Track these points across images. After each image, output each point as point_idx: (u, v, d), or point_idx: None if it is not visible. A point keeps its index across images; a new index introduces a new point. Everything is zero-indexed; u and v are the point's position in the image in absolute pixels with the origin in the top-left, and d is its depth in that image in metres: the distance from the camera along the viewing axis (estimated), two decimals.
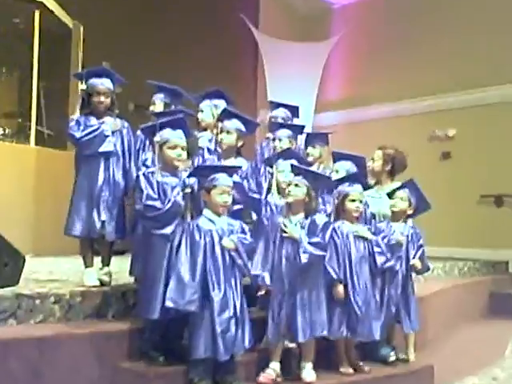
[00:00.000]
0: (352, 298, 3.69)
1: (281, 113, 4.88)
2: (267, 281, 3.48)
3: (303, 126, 4.69)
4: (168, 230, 3.36)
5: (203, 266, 3.25)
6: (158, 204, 3.36)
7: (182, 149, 3.47)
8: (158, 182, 3.43)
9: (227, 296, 3.24)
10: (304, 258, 3.44)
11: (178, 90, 4.37)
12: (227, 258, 3.30)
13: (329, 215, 3.89)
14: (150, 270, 3.41)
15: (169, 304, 3.21)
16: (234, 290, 3.29)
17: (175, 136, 3.47)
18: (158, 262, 3.38)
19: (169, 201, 3.39)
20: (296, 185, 3.59)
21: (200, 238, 3.27)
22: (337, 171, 4.12)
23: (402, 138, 6.16)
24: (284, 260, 3.53)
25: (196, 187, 3.44)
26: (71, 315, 3.60)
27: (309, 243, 3.48)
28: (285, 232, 3.54)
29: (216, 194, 3.33)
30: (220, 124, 4.06)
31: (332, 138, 4.83)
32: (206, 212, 3.38)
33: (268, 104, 5.57)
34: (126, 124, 4.08)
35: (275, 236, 3.57)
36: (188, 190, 3.41)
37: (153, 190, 3.41)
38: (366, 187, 3.92)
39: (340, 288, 3.71)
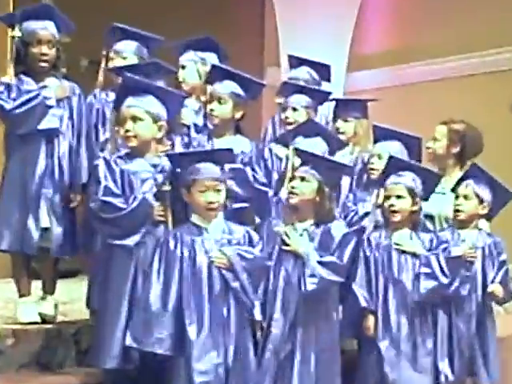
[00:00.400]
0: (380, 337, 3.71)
1: (303, 73, 4.87)
2: (256, 314, 3.44)
3: (328, 93, 4.66)
4: (131, 241, 3.38)
5: (179, 290, 3.28)
6: (119, 202, 3.38)
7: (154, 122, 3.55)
8: (122, 172, 3.47)
9: (213, 334, 3.27)
10: (311, 284, 3.44)
11: (155, 38, 4.41)
12: (217, 279, 3.33)
13: (359, 220, 3.98)
14: (108, 298, 3.44)
15: (129, 342, 3.26)
16: (224, 326, 3.31)
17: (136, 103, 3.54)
18: (118, 287, 3.41)
19: (135, 198, 3.39)
20: (302, 178, 3.58)
21: (178, 250, 3.32)
22: (379, 156, 4.11)
23: (472, 107, 6.09)
24: (282, 284, 3.54)
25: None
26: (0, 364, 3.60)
27: (319, 263, 3.47)
28: (286, 244, 3.54)
29: (196, 191, 3.36)
30: (209, 88, 4.09)
31: (372, 108, 4.78)
32: (194, 217, 3.42)
33: (280, 60, 5.50)
34: (77, 89, 4.11)
35: (272, 249, 3.59)
36: (166, 188, 3.45)
37: (115, 181, 3.44)
38: (436, 183, 3.96)
39: (370, 321, 3.75)
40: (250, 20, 8.21)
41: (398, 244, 3.82)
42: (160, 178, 3.51)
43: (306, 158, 3.64)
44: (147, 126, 3.51)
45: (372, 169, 4.14)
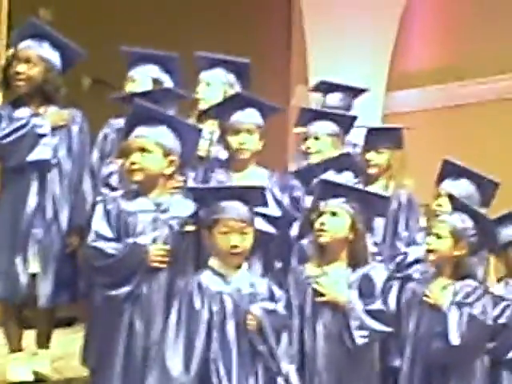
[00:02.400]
0: None
1: (336, 99, 4.76)
2: (293, 379, 3.26)
3: (354, 117, 4.48)
4: (122, 291, 3.23)
5: (205, 352, 3.11)
6: (109, 248, 3.26)
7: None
8: (120, 212, 3.34)
9: None
10: (360, 338, 3.30)
11: (172, 56, 4.30)
12: (244, 341, 3.17)
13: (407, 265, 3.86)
14: (101, 356, 3.36)
15: None
16: None
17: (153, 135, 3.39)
18: (110, 344, 3.28)
19: (126, 243, 3.27)
20: (333, 213, 3.43)
21: (202, 305, 3.16)
22: (450, 196, 3.85)
23: None
24: (321, 341, 3.38)
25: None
26: None
27: (367, 312, 3.32)
28: (321, 295, 3.38)
29: (219, 233, 3.20)
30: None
31: (415, 132, 4.53)
32: (213, 263, 3.26)
33: (308, 78, 5.21)
34: (78, 116, 4.03)
35: (303, 301, 3.43)
36: (190, 228, 3.32)
37: (109, 224, 3.32)
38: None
39: None
40: (274, 36, 8.01)
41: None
42: (164, 218, 3.34)
43: (338, 189, 3.48)
44: (156, 159, 3.35)
45: (438, 210, 3.97)
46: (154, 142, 3.34)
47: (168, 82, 4.23)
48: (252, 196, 3.31)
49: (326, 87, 4.92)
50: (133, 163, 3.33)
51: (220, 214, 3.20)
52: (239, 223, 3.19)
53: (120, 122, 3.94)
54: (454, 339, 3.46)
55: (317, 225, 3.44)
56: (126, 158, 3.39)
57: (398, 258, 4.00)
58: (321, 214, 3.46)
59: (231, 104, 3.83)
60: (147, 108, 3.42)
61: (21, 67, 3.85)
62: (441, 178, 4.08)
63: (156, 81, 4.16)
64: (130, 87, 4.15)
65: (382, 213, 3.80)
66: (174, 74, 4.26)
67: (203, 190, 3.47)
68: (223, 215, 3.19)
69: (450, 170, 4.07)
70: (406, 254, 4.01)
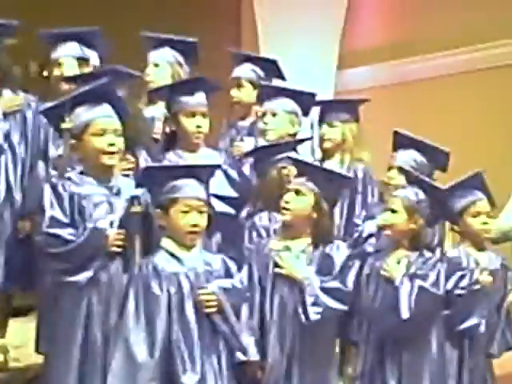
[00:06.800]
0: None
1: (247, 72, 4.58)
2: (252, 353, 3.30)
3: (312, 94, 4.37)
4: (82, 277, 3.20)
5: (166, 335, 3.12)
6: (66, 234, 3.21)
7: (116, 134, 3.35)
8: (71, 196, 3.29)
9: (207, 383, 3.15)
10: (314, 314, 3.30)
11: (92, 30, 4.23)
12: (204, 320, 3.18)
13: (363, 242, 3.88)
14: (57, 343, 3.30)
15: None
16: (216, 375, 3.17)
17: (101, 114, 3.35)
18: (67, 331, 3.24)
19: (84, 228, 3.23)
20: (297, 192, 3.44)
21: (160, 288, 3.16)
22: (400, 169, 3.91)
23: (476, 105, 6.00)
24: (276, 314, 3.41)
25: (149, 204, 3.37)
26: None
27: (322, 289, 3.34)
28: (279, 267, 3.39)
29: (178, 212, 3.18)
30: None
31: (366, 108, 4.57)
32: (167, 243, 3.24)
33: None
34: (33, 101, 4.02)
35: (264, 275, 3.44)
36: (137, 209, 3.30)
37: (62, 209, 3.26)
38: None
39: None
40: (226, 11, 7.99)
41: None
42: (117, 202, 3.33)
43: (303, 168, 3.51)
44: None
45: (387, 182, 4.03)
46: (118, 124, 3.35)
47: (94, 58, 4.19)
48: (206, 174, 3.32)
49: (236, 58, 4.78)
50: (112, 144, 3.29)
51: (179, 193, 3.20)
52: (198, 202, 3.20)
53: None
54: (404, 312, 3.49)
55: (282, 203, 3.46)
56: (79, 140, 3.33)
57: (355, 234, 4.03)
58: (285, 191, 3.48)
59: (188, 86, 3.83)
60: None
61: None
62: (393, 151, 4.11)
63: (81, 59, 4.13)
64: (58, 71, 4.10)
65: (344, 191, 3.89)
66: (99, 48, 4.21)
67: (161, 168, 3.43)
68: (183, 194, 3.19)
69: (400, 142, 4.09)
70: (362, 228, 4.03)
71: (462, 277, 3.72)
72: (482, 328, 3.71)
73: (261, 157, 3.87)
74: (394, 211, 3.61)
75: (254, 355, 3.31)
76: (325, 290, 3.35)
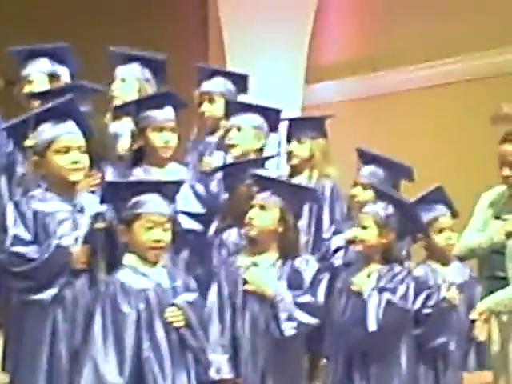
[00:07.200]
0: None
1: (219, 86, 4.53)
2: (224, 369, 3.32)
3: (278, 110, 4.36)
4: (46, 295, 3.19)
5: (136, 352, 3.11)
6: (30, 251, 3.21)
7: (80, 151, 3.32)
8: (35, 214, 3.27)
9: None
10: (290, 330, 3.31)
11: (62, 46, 4.20)
12: (173, 336, 3.17)
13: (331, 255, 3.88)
14: (22, 362, 3.27)
15: None
16: None
17: (64, 131, 3.31)
18: (32, 350, 3.22)
19: (48, 245, 3.20)
20: (262, 207, 3.43)
21: (129, 306, 3.15)
22: (364, 187, 3.99)
23: (448, 118, 6.01)
24: (248, 331, 3.40)
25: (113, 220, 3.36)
26: None
27: (295, 304, 3.33)
28: (248, 284, 3.41)
29: (141, 228, 3.18)
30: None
31: (334, 123, 4.60)
32: (130, 259, 3.24)
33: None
34: None
35: (234, 292, 3.44)
36: (101, 225, 3.29)
37: (26, 227, 3.25)
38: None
39: None
40: (193, 26, 8.07)
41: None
42: (81, 218, 3.31)
43: (265, 183, 3.51)
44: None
45: (354, 198, 4.08)
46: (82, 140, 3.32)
47: (65, 75, 4.15)
48: (171, 190, 3.32)
49: (203, 72, 4.67)
50: (75, 162, 3.26)
51: (142, 209, 3.19)
52: (161, 218, 3.19)
53: None
54: (372, 325, 3.49)
55: (246, 218, 3.47)
56: (42, 157, 3.30)
57: (323, 248, 4.04)
58: (250, 207, 3.48)
59: (156, 101, 3.79)
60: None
61: None
62: (358, 167, 4.13)
63: (52, 75, 4.10)
64: (28, 88, 4.06)
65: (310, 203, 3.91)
66: (70, 64, 4.19)
67: (123, 184, 3.42)
68: (146, 210, 3.19)
69: (363, 158, 4.12)
70: (329, 243, 4.04)
71: (429, 296, 3.71)
72: (452, 346, 3.70)
73: (230, 172, 3.83)
74: (364, 227, 3.64)
75: (227, 373, 3.32)
76: (298, 305, 3.35)
